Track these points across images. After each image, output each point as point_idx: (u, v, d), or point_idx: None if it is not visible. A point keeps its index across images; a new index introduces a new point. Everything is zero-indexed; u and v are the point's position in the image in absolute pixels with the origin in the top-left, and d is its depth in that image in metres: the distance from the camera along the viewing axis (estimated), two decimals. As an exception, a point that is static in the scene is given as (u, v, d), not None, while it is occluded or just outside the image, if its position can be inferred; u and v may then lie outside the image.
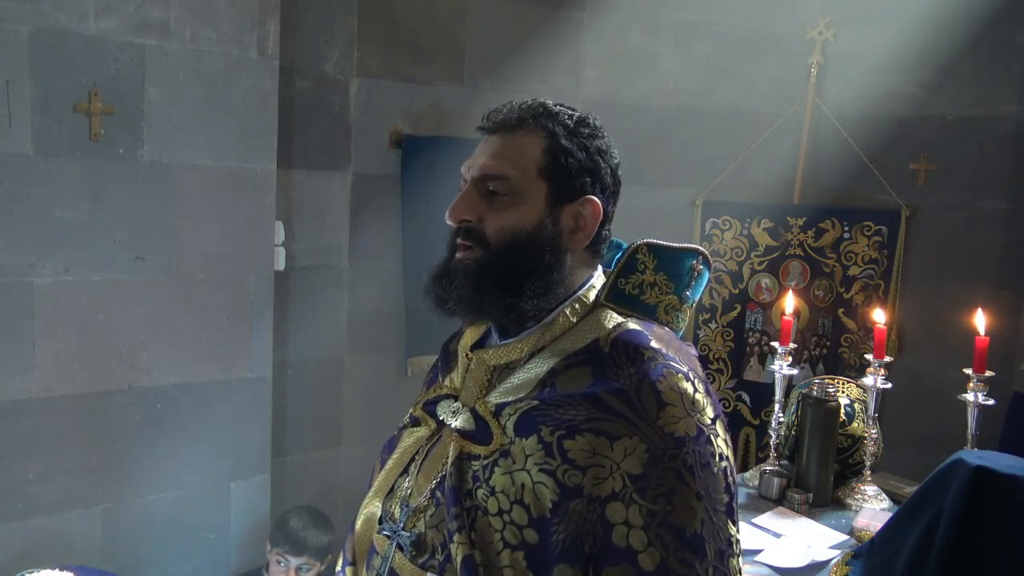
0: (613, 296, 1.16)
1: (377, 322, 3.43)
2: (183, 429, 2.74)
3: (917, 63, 3.42)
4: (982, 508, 1.55)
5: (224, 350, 2.80)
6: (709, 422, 1.04)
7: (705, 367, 3.64)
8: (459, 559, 1.04)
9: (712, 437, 1.04)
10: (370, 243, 3.39)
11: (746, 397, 3.67)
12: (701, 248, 1.22)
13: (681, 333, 1.21)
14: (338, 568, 1.35)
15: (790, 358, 2.35)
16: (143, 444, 2.68)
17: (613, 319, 1.13)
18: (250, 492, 2.94)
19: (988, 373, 2.09)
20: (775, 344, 2.40)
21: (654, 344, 1.08)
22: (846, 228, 3.56)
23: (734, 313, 3.68)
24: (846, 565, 1.82)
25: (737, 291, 3.68)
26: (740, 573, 1.05)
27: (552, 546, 1.00)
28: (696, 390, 1.05)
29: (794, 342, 2.43)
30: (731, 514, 1.04)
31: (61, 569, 2.18)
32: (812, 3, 3.52)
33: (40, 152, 2.40)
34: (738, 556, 1.05)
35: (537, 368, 1.12)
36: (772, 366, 2.39)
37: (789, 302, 2.48)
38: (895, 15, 3.41)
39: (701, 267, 1.22)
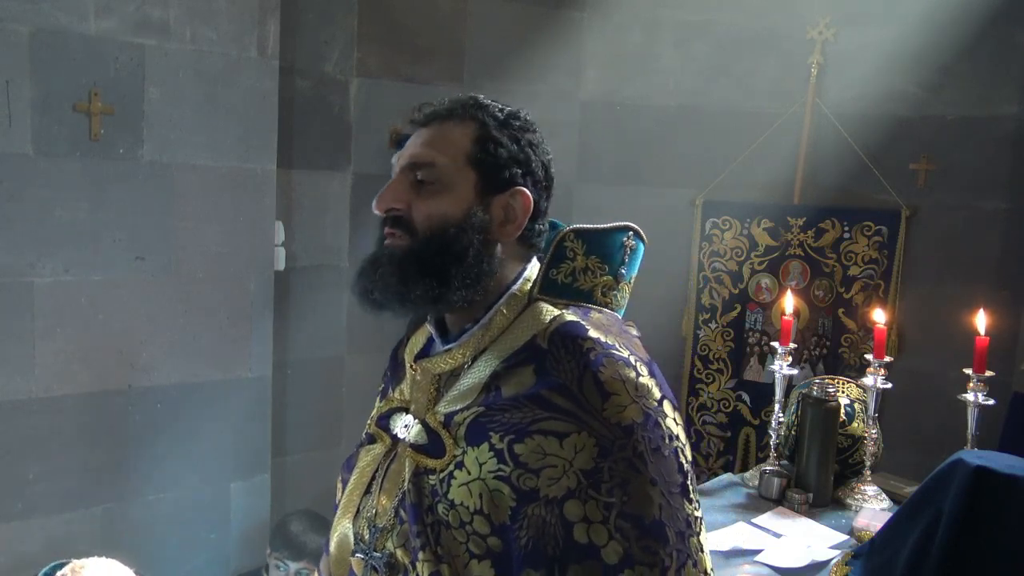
0: (547, 288, 1.14)
1: (377, 322, 3.40)
2: (183, 429, 2.74)
3: (917, 63, 3.42)
4: (982, 508, 1.55)
5: (224, 350, 2.80)
6: (656, 404, 1.03)
7: (705, 367, 3.69)
8: (426, 575, 1.04)
9: (660, 419, 1.02)
10: (370, 243, 3.38)
11: (746, 397, 3.67)
12: (631, 224, 1.20)
13: (623, 311, 1.20)
14: (312, 570, 1.34)
15: (790, 358, 2.35)
16: (143, 444, 2.68)
17: (549, 312, 1.11)
18: (250, 492, 2.94)
19: (988, 373, 2.09)
20: (775, 344, 2.40)
21: (592, 334, 1.06)
22: (846, 228, 3.56)
23: (734, 313, 3.68)
24: (846, 565, 1.82)
25: (737, 291, 3.68)
26: (703, 551, 1.03)
27: (516, 551, 1.00)
28: (639, 374, 1.04)
29: (794, 342, 2.43)
30: (686, 494, 1.03)
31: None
32: (812, 3, 3.52)
33: (40, 152, 2.40)
34: (699, 534, 1.03)
35: (480, 372, 1.11)
36: (772, 366, 2.39)
37: (789, 302, 2.48)
38: (895, 15, 3.41)
39: (634, 242, 1.19)
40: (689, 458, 1.06)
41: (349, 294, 3.35)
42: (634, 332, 1.15)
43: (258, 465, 2.96)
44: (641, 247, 1.21)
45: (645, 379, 1.04)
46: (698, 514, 1.04)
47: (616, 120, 3.66)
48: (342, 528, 1.21)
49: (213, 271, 2.74)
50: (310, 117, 3.19)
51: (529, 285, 1.15)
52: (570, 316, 1.10)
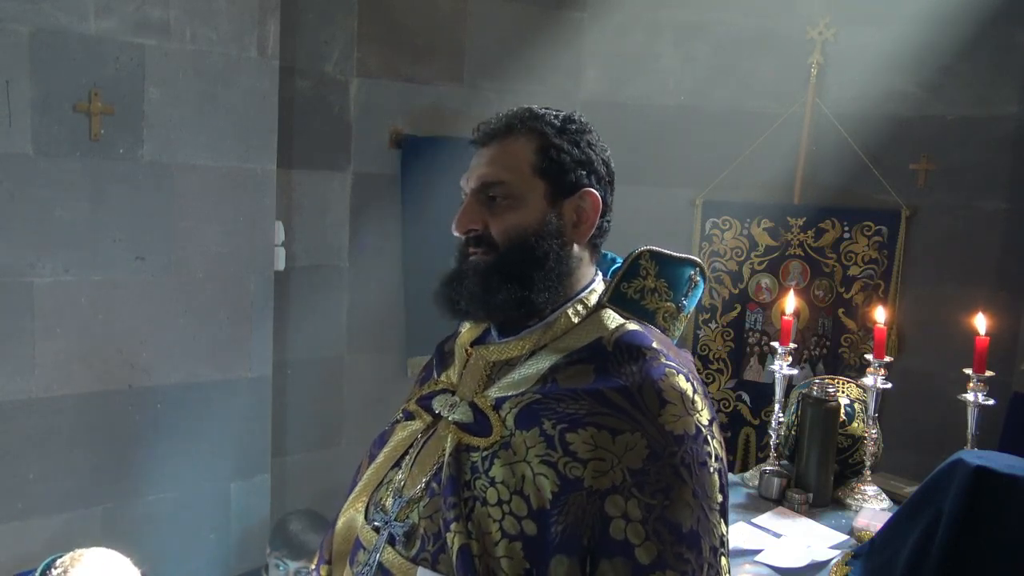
0: (615, 299, 1.19)
1: (377, 322, 3.43)
2: (183, 429, 2.74)
3: (917, 63, 3.42)
4: (982, 508, 1.55)
5: (224, 350, 2.80)
6: (707, 423, 1.07)
7: (705, 367, 3.69)
8: (455, 548, 1.05)
9: (709, 438, 1.06)
10: (370, 243, 3.38)
11: (746, 397, 3.67)
12: (698, 259, 1.26)
13: (676, 342, 1.24)
14: (312, 567, 1.35)
15: (790, 358, 2.35)
16: (143, 444, 2.68)
17: (615, 319, 1.16)
18: (250, 492, 2.94)
19: (988, 373, 2.09)
20: (775, 344, 2.40)
21: (655, 345, 1.11)
22: (846, 228, 3.56)
23: (734, 313, 3.68)
24: (846, 565, 1.82)
25: (737, 291, 3.68)
26: (729, 572, 1.07)
27: (551, 537, 1.02)
28: (695, 391, 1.08)
29: (794, 342, 2.43)
30: (724, 514, 1.07)
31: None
32: (812, 3, 3.52)
33: (40, 152, 2.40)
34: (727, 554, 1.08)
35: (539, 364, 1.14)
36: (772, 366, 2.39)
37: (790, 302, 2.48)
38: (895, 15, 3.41)
39: (698, 278, 1.26)
40: (728, 483, 1.10)
41: (349, 294, 3.38)
42: (689, 357, 1.20)
43: (258, 465, 2.96)
44: (702, 285, 1.27)
45: (699, 397, 1.09)
46: (728, 538, 1.09)
47: (616, 120, 3.65)
48: (358, 504, 1.24)
49: (213, 271, 2.74)
50: (310, 117, 3.19)
51: (596, 296, 1.20)
52: (634, 326, 1.15)
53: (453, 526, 1.06)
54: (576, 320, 1.17)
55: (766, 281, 3.64)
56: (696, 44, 3.65)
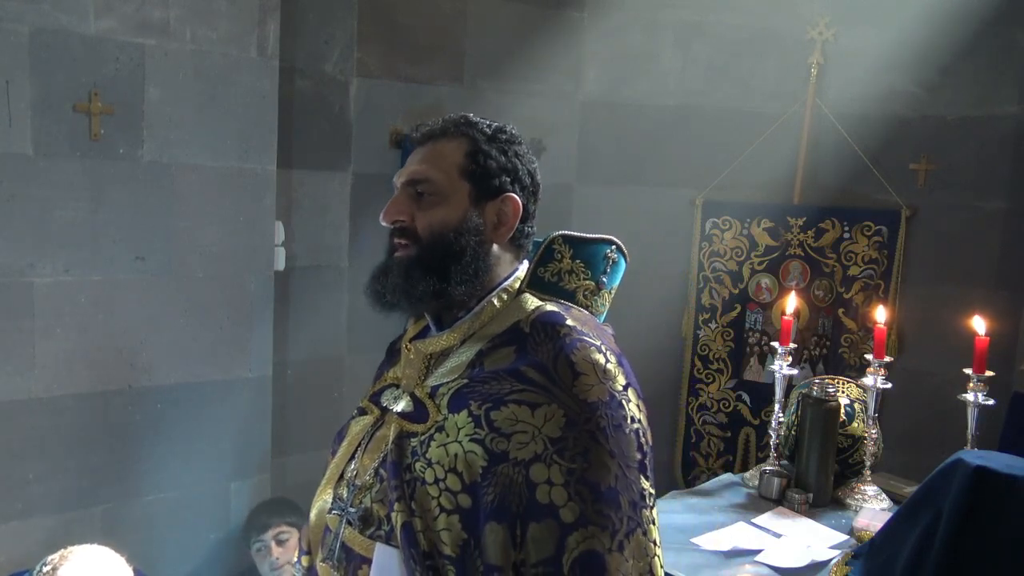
0: (534, 283, 1.28)
1: (377, 322, 3.41)
2: (183, 429, 2.74)
3: (917, 63, 3.43)
4: (982, 508, 1.55)
5: (224, 350, 2.80)
6: (621, 388, 1.15)
7: (705, 367, 3.69)
8: (399, 525, 1.14)
9: (624, 402, 1.14)
10: (370, 243, 3.38)
11: (746, 397, 3.67)
12: (615, 239, 1.34)
13: (603, 317, 1.33)
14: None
15: (790, 358, 2.35)
16: (143, 444, 2.68)
17: (533, 303, 1.25)
18: (250, 492, 2.94)
19: (988, 373, 2.09)
20: (775, 344, 2.40)
21: (569, 322, 1.19)
22: (846, 228, 3.56)
23: (734, 313, 3.68)
24: (846, 565, 1.82)
25: (737, 291, 3.68)
26: (654, 523, 1.15)
27: (483, 507, 1.10)
28: (608, 361, 1.16)
29: (794, 342, 2.43)
30: (644, 471, 1.15)
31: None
32: (812, 3, 3.52)
33: (40, 152, 2.40)
34: (652, 508, 1.15)
35: (468, 352, 1.24)
36: (772, 366, 2.39)
37: (790, 302, 2.48)
38: (895, 15, 3.42)
39: (616, 256, 1.34)
40: (649, 441, 1.18)
41: (349, 294, 3.37)
42: (609, 331, 1.28)
43: (258, 465, 2.96)
44: (623, 262, 1.35)
45: (612, 366, 1.17)
46: (653, 491, 1.17)
47: (616, 120, 3.66)
48: (324, 496, 1.33)
49: (213, 271, 2.74)
50: (310, 117, 3.19)
51: (519, 283, 1.28)
52: (551, 307, 1.24)
53: (396, 506, 1.15)
54: (499, 306, 1.25)
55: (766, 281, 3.64)
56: (696, 44, 3.65)
